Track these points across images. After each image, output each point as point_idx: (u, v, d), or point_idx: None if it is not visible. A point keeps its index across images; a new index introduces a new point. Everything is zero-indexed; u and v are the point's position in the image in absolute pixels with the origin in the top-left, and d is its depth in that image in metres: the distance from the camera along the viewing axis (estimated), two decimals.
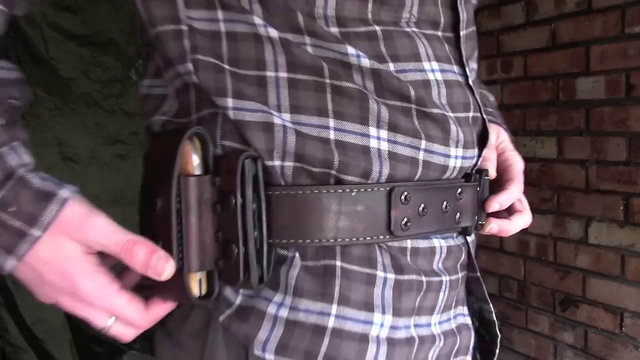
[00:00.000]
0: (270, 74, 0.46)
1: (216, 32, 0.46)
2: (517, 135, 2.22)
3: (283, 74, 0.46)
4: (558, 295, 2.11)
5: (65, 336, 2.16)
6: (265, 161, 0.46)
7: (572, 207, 2.03)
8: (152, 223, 0.45)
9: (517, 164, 0.68)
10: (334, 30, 0.47)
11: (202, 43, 0.47)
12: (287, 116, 0.46)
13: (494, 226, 0.61)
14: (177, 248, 0.44)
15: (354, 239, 0.47)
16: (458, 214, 0.54)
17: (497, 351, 0.64)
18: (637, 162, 1.81)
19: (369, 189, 0.47)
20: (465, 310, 0.59)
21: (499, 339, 0.63)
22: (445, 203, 0.52)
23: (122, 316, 0.45)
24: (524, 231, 2.47)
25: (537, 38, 2.11)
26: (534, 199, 2.17)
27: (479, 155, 0.57)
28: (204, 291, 0.46)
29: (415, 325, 0.51)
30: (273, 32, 0.46)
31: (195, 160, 0.46)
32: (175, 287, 0.44)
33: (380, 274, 0.49)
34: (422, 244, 0.52)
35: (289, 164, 0.46)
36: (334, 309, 0.47)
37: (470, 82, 0.56)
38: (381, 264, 0.49)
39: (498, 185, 0.65)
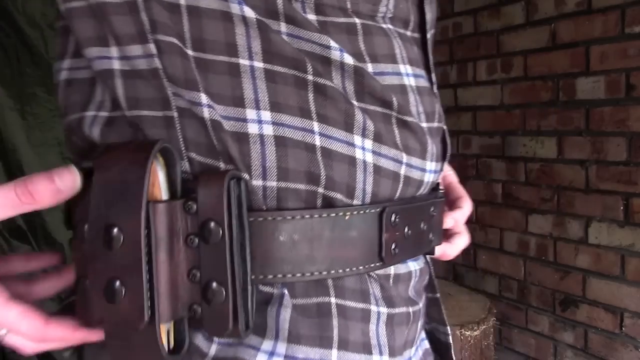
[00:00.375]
0: (244, 62, 0.38)
1: (175, 4, 0.37)
2: (517, 135, 2.22)
3: (259, 64, 0.38)
4: (558, 295, 2.11)
5: None
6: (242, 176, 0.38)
7: (572, 207, 2.02)
8: (110, 263, 0.34)
9: (455, 178, 0.64)
10: (312, 17, 0.40)
11: (162, 18, 0.37)
12: (266, 115, 0.39)
13: (438, 249, 0.55)
14: (148, 292, 0.34)
15: (348, 270, 0.41)
16: (431, 234, 0.50)
17: None
18: (637, 162, 1.81)
19: (362, 211, 0.41)
20: (423, 333, 0.55)
21: None
22: (422, 223, 0.48)
23: (14, 330, 0.37)
24: (524, 231, 2.46)
25: (537, 38, 2.11)
26: (534, 199, 2.17)
27: (442, 169, 0.52)
28: (171, 344, 0.38)
29: None
30: (249, 12, 0.38)
31: (162, 181, 0.37)
32: (144, 343, 0.35)
33: (373, 308, 0.43)
34: (402, 269, 0.47)
35: (272, 184, 0.39)
36: (334, 355, 0.40)
37: (435, 89, 0.51)
38: (373, 296, 0.43)
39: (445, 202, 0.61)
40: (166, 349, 0.36)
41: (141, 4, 0.37)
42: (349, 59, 0.40)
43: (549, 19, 2.06)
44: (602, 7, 1.87)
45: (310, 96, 0.40)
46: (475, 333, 1.89)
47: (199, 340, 0.40)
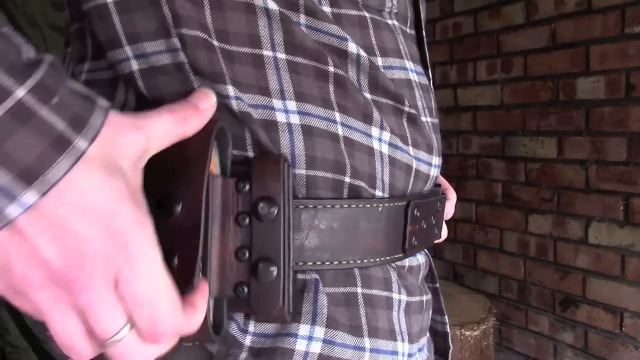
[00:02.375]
0: (267, 53, 0.38)
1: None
2: (517, 135, 2.22)
3: (281, 55, 0.39)
4: (558, 295, 2.11)
5: None
6: None
7: (572, 207, 2.03)
8: (167, 233, 0.32)
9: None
10: (327, 10, 0.41)
11: (184, 11, 0.36)
12: (292, 105, 0.39)
13: None
14: (200, 264, 0.33)
15: (376, 260, 0.42)
16: (436, 228, 0.51)
17: None
18: (637, 162, 1.81)
19: (392, 204, 0.43)
20: None
21: (450, 351, 0.58)
22: (432, 217, 0.49)
23: (170, 320, 0.29)
24: (524, 231, 2.45)
25: (537, 38, 2.11)
26: (534, 199, 2.17)
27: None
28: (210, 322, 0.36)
29: (419, 350, 0.48)
30: (272, 4, 0.38)
31: (216, 159, 0.37)
32: None
33: (395, 296, 0.44)
34: (414, 261, 0.49)
35: (301, 172, 0.39)
36: (367, 342, 0.41)
37: (431, 86, 0.53)
38: (395, 284, 0.45)
39: None
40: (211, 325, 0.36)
41: None
42: (363, 52, 0.41)
43: (549, 19, 2.06)
44: (602, 7, 1.87)
45: (331, 87, 0.40)
46: (475, 333, 1.89)
47: (234, 330, 0.39)
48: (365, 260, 0.41)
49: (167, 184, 0.34)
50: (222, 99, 0.37)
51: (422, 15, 0.51)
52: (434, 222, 0.50)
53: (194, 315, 0.31)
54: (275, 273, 0.36)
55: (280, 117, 0.39)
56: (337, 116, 0.40)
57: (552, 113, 2.07)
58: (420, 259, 0.51)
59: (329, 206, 0.39)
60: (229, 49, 0.38)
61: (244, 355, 0.39)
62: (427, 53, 0.51)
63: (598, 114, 1.92)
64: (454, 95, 2.52)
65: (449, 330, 0.58)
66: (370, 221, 0.41)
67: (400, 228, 0.44)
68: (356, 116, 0.41)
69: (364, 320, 0.41)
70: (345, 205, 0.40)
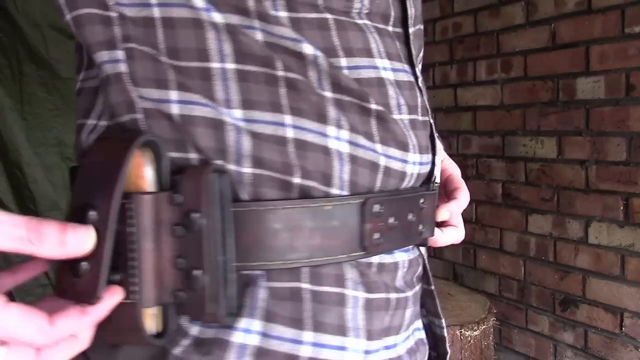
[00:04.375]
0: (215, 65, 0.40)
1: (149, 18, 0.40)
2: (517, 135, 2.22)
3: (230, 65, 0.40)
4: (558, 295, 2.11)
5: None
6: (214, 162, 0.41)
7: (572, 207, 2.03)
8: None
9: (456, 172, 0.65)
10: (283, 14, 0.41)
11: (136, 32, 0.40)
12: (238, 113, 0.41)
13: None
14: (106, 271, 0.35)
15: (328, 258, 0.43)
16: (421, 225, 0.51)
17: None
18: (637, 162, 1.81)
19: (344, 202, 0.43)
20: (420, 324, 0.56)
21: (448, 356, 0.58)
22: (410, 214, 0.49)
23: (17, 336, 0.33)
24: (523, 231, 2.45)
25: (537, 38, 2.11)
26: (534, 199, 2.17)
27: (434, 162, 0.53)
28: (159, 328, 0.40)
29: (385, 347, 0.47)
30: (217, 17, 0.40)
31: (148, 174, 0.39)
32: (127, 325, 0.37)
33: (349, 292, 0.44)
34: (387, 259, 0.48)
35: (247, 170, 0.41)
36: (308, 336, 0.42)
37: (420, 83, 0.52)
38: (350, 280, 0.45)
39: (442, 195, 0.62)
40: (153, 332, 0.39)
41: (115, 19, 0.41)
42: (320, 54, 0.42)
43: (549, 19, 2.06)
44: (602, 7, 1.87)
45: (282, 91, 0.41)
46: (475, 333, 1.89)
47: (184, 320, 0.42)
48: (314, 259, 0.42)
49: (88, 194, 0.37)
50: (163, 104, 0.40)
51: (410, 12, 0.50)
52: (413, 219, 0.49)
53: (67, 327, 0.34)
54: (203, 281, 0.38)
55: (228, 119, 0.40)
56: (287, 119, 0.42)
57: (552, 113, 2.07)
58: (398, 257, 0.50)
59: (271, 207, 0.41)
60: (178, 64, 0.40)
61: (186, 342, 0.41)
62: (413, 51, 0.51)
63: (598, 114, 1.92)
64: (454, 95, 2.52)
65: (446, 334, 0.58)
66: (318, 220, 0.42)
67: (356, 225, 0.44)
68: (310, 117, 0.42)
69: (308, 314, 0.42)
70: (289, 206, 0.41)
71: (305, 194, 0.42)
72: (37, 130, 2.11)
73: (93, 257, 0.35)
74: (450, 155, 0.57)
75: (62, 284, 0.37)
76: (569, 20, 1.99)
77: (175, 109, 0.40)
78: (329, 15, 0.44)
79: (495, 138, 2.33)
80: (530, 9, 2.14)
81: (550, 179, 2.10)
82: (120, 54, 0.40)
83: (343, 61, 0.44)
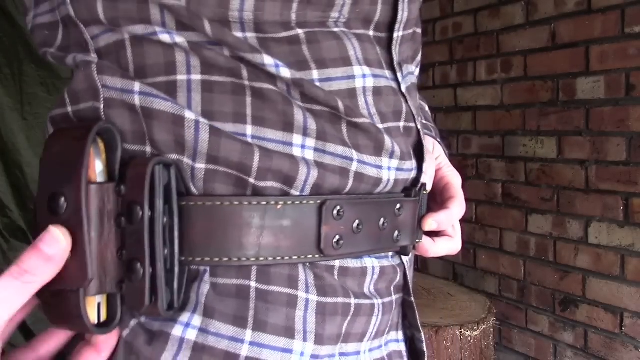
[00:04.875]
0: (181, 77, 0.41)
1: (120, 40, 0.41)
2: (517, 135, 2.22)
3: (196, 77, 0.41)
4: (558, 295, 2.11)
5: None
6: (169, 155, 0.40)
7: (572, 207, 2.03)
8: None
9: (455, 181, 0.62)
10: (250, 35, 0.41)
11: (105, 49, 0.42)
12: (203, 120, 0.41)
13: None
14: (89, 252, 0.37)
15: (278, 258, 0.42)
16: (397, 232, 0.49)
17: None
18: (637, 162, 1.81)
19: (297, 202, 0.42)
20: (399, 335, 0.54)
21: None
22: (382, 220, 0.47)
23: None
24: (523, 231, 2.44)
25: (537, 38, 2.11)
26: (534, 199, 2.17)
27: (419, 169, 0.51)
28: (103, 317, 0.40)
29: (341, 354, 0.46)
30: (179, 39, 0.40)
31: (98, 165, 0.39)
32: (70, 312, 0.38)
33: (301, 294, 0.43)
34: (352, 263, 0.46)
35: (201, 165, 0.40)
36: (248, 335, 0.41)
37: (404, 89, 0.50)
38: (303, 282, 0.43)
39: (437, 204, 0.60)
40: (95, 320, 0.39)
41: (89, 41, 0.42)
42: (286, 73, 0.41)
43: (549, 19, 2.06)
44: (602, 7, 1.87)
45: (248, 100, 0.41)
46: (475, 333, 1.89)
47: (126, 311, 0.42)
48: (262, 259, 0.41)
49: (55, 184, 0.38)
50: (125, 94, 0.40)
51: (400, 16, 0.49)
52: (385, 225, 0.47)
53: None
54: (141, 273, 0.38)
55: (189, 115, 0.40)
56: (249, 129, 0.41)
57: (552, 113, 2.07)
58: (367, 262, 0.48)
59: (218, 203, 0.40)
60: (145, 81, 0.41)
61: (134, 323, 0.42)
62: (394, 55, 0.49)
63: (598, 114, 1.92)
64: (454, 95, 2.52)
65: (425, 349, 0.56)
66: (267, 219, 0.41)
67: (313, 227, 0.42)
68: (274, 126, 0.42)
69: (251, 313, 0.41)
70: (237, 203, 0.41)
71: (260, 193, 0.42)
72: (37, 130, 2.11)
73: (74, 242, 0.37)
74: (450, 155, 0.55)
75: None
76: (569, 20, 1.99)
77: (137, 100, 0.40)
78: (300, 31, 0.43)
79: (495, 138, 2.33)
80: (530, 9, 2.14)
81: (550, 179, 2.10)
82: (93, 55, 0.42)
83: (315, 74, 0.43)
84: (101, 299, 0.40)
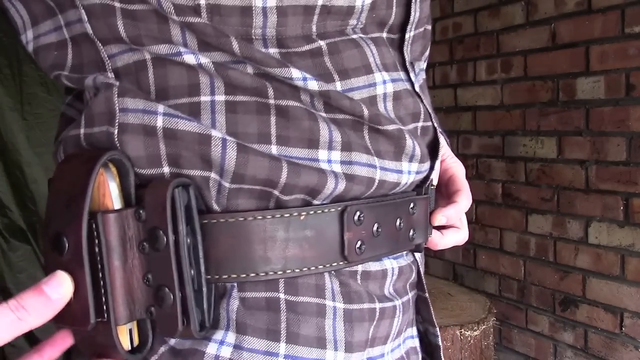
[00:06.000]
0: (205, 98, 0.40)
1: (141, 60, 0.40)
2: (517, 135, 2.22)
3: (220, 97, 0.40)
4: (558, 295, 2.11)
5: None
6: (198, 177, 0.39)
7: (572, 207, 2.03)
8: (61, 269, 0.37)
9: (460, 172, 0.62)
10: (273, 51, 0.41)
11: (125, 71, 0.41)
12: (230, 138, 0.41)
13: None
14: (92, 296, 0.36)
15: (305, 269, 0.41)
16: (412, 231, 0.49)
17: None
18: (637, 162, 1.81)
19: (319, 211, 0.41)
20: (414, 331, 0.54)
21: None
22: (399, 220, 0.47)
23: None
24: (523, 231, 2.44)
25: (537, 38, 2.11)
26: (533, 199, 2.17)
27: (432, 167, 0.51)
28: (136, 342, 0.40)
29: (368, 359, 0.46)
30: (204, 59, 0.40)
31: (113, 191, 0.38)
32: (104, 343, 0.37)
33: (329, 303, 0.43)
34: (374, 266, 0.47)
35: (227, 182, 0.40)
36: (282, 348, 0.41)
37: (417, 89, 0.50)
38: (330, 290, 0.43)
39: (443, 196, 0.60)
40: (128, 347, 0.39)
41: (106, 60, 0.41)
42: (313, 85, 0.41)
43: (549, 19, 2.06)
44: (602, 7, 1.87)
45: (272, 120, 0.41)
46: (475, 333, 1.89)
47: None
48: (289, 271, 0.41)
49: (58, 222, 0.37)
50: (147, 116, 0.39)
51: (412, 17, 0.48)
52: (401, 225, 0.47)
53: None
54: (172, 298, 0.38)
55: (215, 133, 0.39)
56: (274, 149, 0.41)
57: (552, 113, 2.07)
58: (387, 264, 0.48)
59: (241, 219, 0.40)
60: (167, 103, 0.40)
61: (162, 349, 0.41)
62: (406, 55, 0.49)
63: (598, 114, 1.92)
64: (454, 95, 2.52)
65: (440, 343, 0.56)
66: (291, 231, 0.41)
67: (336, 235, 0.42)
68: (299, 144, 0.41)
69: (283, 325, 0.41)
70: (260, 217, 0.40)
71: (283, 205, 0.41)
72: (37, 130, 2.11)
73: (76, 285, 0.36)
74: None
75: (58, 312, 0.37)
76: (569, 20, 1.99)
77: (159, 121, 0.39)
78: (322, 42, 0.42)
79: (495, 138, 2.33)
80: (530, 9, 2.14)
81: (550, 179, 2.10)
82: (110, 75, 0.41)
83: (337, 85, 0.43)
84: (132, 324, 0.39)
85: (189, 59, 0.39)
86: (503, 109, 2.28)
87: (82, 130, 0.42)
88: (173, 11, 0.38)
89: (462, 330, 1.87)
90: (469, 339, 1.88)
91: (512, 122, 2.24)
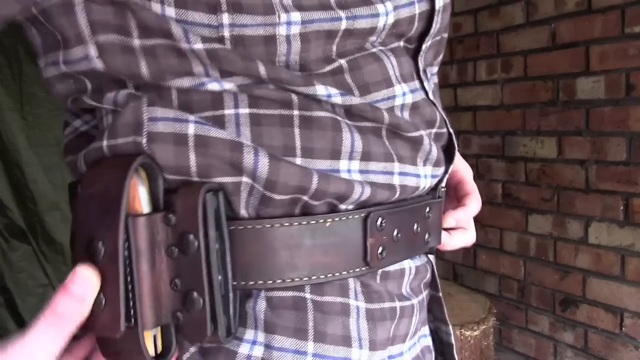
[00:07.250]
0: (228, 111, 0.40)
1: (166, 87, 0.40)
2: (517, 135, 2.22)
3: (244, 110, 0.40)
4: (558, 295, 2.11)
5: None
6: (229, 184, 0.39)
7: (572, 207, 2.03)
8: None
9: (468, 175, 0.63)
10: (297, 73, 0.41)
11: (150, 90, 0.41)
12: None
13: None
14: (124, 302, 0.36)
15: (329, 275, 0.42)
16: (427, 234, 0.50)
17: None
18: (637, 162, 1.81)
19: (344, 217, 0.42)
20: (427, 330, 0.55)
21: None
22: (416, 225, 0.48)
23: None
24: (523, 231, 2.44)
25: (537, 38, 2.11)
26: (534, 199, 2.17)
27: (447, 171, 0.52)
28: (159, 348, 0.39)
29: (389, 357, 0.46)
30: (228, 85, 0.40)
31: (143, 195, 0.38)
32: (129, 349, 0.37)
33: (352, 302, 0.44)
34: (393, 266, 0.47)
35: (259, 188, 0.40)
36: (310, 346, 0.41)
37: (431, 96, 0.51)
38: (352, 290, 0.44)
39: (452, 198, 0.61)
40: (153, 353, 0.38)
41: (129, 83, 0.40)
42: (337, 99, 0.41)
43: (549, 19, 2.06)
44: (602, 7, 1.87)
45: (296, 131, 0.41)
46: (475, 333, 1.89)
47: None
48: (314, 277, 0.41)
49: (92, 227, 0.37)
50: (179, 123, 0.39)
51: (432, 29, 0.48)
52: (418, 229, 0.48)
53: None
54: (201, 304, 0.37)
55: (244, 141, 0.39)
56: (298, 161, 0.41)
57: (552, 113, 2.07)
58: (405, 264, 0.49)
59: (268, 226, 0.40)
60: (193, 118, 0.40)
61: (193, 349, 0.41)
62: (420, 65, 0.49)
63: (598, 114, 1.92)
64: (454, 95, 2.52)
65: (453, 341, 0.57)
66: (317, 237, 0.41)
67: (359, 241, 0.43)
68: (322, 156, 0.41)
69: (310, 324, 0.42)
70: (287, 224, 0.40)
71: (310, 211, 0.42)
72: (37, 130, 2.11)
73: (109, 290, 0.36)
74: None
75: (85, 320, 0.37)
76: (569, 20, 1.99)
77: (191, 129, 0.39)
78: (342, 61, 0.42)
79: (495, 138, 2.33)
80: (530, 9, 2.14)
81: (550, 179, 2.10)
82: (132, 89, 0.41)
83: (359, 100, 0.43)
84: (156, 330, 0.39)
85: (214, 87, 0.39)
86: (503, 109, 2.28)
87: (104, 142, 0.41)
88: (200, 40, 0.37)
89: (462, 330, 1.87)
90: (469, 339, 1.88)
91: (512, 122, 2.24)
